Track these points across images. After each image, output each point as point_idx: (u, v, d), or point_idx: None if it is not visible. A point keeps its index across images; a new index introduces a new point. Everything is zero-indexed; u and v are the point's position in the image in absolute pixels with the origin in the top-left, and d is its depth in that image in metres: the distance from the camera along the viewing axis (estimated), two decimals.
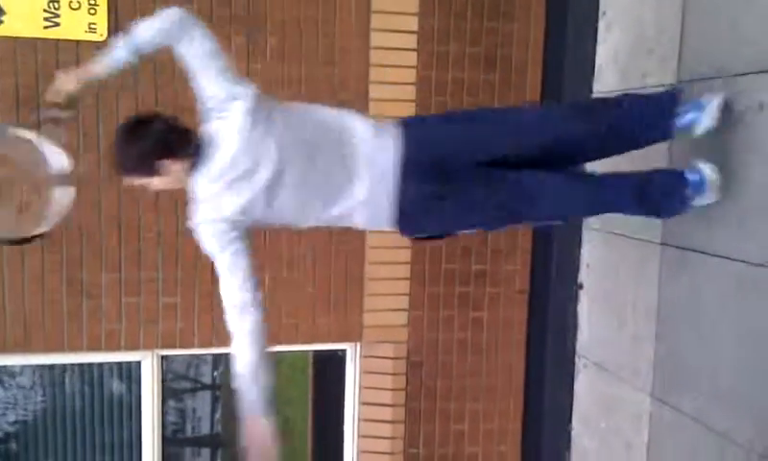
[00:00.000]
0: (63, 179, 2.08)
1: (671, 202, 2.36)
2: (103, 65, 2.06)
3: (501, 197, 2.19)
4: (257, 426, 1.99)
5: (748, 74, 2.38)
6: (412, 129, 2.16)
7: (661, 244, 2.81)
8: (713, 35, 2.55)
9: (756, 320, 2.34)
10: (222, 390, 4.01)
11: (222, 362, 4.02)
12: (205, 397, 4.34)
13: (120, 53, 2.04)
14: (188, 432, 3.92)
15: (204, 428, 4.21)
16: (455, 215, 2.20)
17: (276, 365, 4.10)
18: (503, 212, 2.23)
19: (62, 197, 2.08)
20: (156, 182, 2.06)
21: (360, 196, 2.09)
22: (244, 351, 2.02)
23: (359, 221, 2.19)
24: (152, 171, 2.01)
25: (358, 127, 2.14)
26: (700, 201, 2.36)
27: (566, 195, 2.29)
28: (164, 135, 2.00)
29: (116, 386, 3.58)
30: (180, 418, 4.03)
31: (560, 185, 2.28)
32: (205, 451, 4.26)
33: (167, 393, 3.67)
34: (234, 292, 2.03)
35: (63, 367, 3.49)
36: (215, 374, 4.30)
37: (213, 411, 4.47)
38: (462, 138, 2.17)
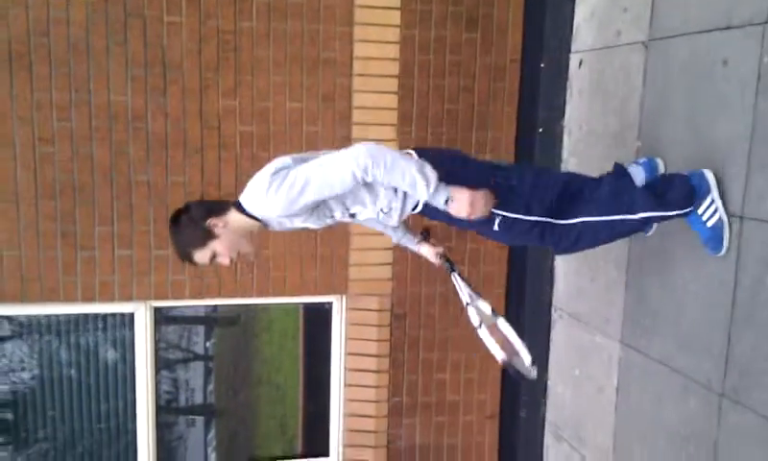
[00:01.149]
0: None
1: None
2: None
3: None
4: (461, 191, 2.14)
5: (713, 31, 2.48)
6: None
7: None
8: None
9: (716, 271, 2.47)
10: (215, 360, 4.11)
11: (213, 333, 4.12)
12: (198, 367, 4.42)
13: None
14: (182, 403, 4.02)
15: (198, 399, 4.30)
16: None
17: (269, 321, 4.22)
18: None
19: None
20: (218, 247, 2.18)
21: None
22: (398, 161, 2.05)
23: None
24: (207, 236, 2.17)
25: None
26: None
27: None
28: (201, 205, 2.23)
29: (110, 342, 3.68)
30: (174, 387, 4.13)
31: None
32: (199, 420, 4.36)
33: (160, 363, 3.76)
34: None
35: (58, 323, 3.59)
36: (207, 344, 4.39)
37: (206, 382, 4.56)
38: None
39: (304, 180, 2.04)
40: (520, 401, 3.86)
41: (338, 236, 3.59)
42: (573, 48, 3.38)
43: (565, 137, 3.49)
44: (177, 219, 2.21)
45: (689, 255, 2.62)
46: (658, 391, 2.82)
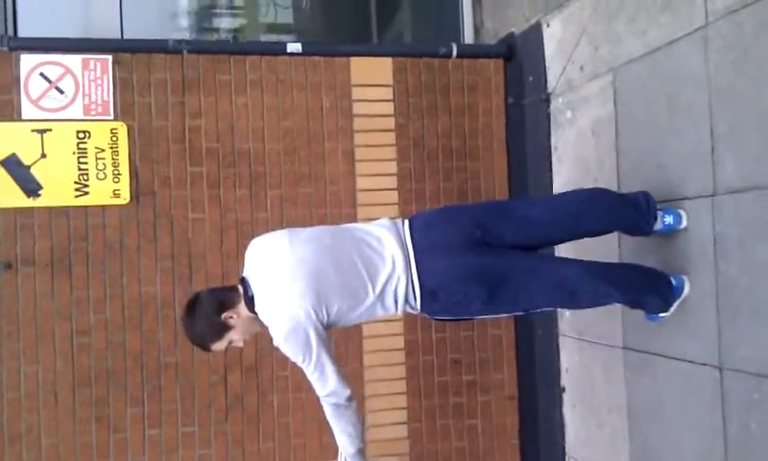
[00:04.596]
0: None
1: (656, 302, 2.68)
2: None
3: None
4: None
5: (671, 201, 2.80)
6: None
7: (623, 348, 3.14)
8: (641, 169, 3.00)
9: (708, 414, 2.64)
10: None
11: None
12: None
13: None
14: None
15: None
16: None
17: None
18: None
19: None
20: (234, 336, 2.44)
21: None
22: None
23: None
24: (223, 328, 2.40)
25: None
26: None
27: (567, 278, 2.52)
28: (213, 298, 2.44)
29: None
30: None
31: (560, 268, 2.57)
32: None
33: None
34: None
35: None
36: None
37: None
38: None
39: (309, 369, 2.36)
40: None
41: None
42: None
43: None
44: (191, 313, 2.40)
45: (680, 401, 2.79)
46: None
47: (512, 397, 3.93)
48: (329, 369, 2.37)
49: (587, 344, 3.45)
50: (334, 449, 3.74)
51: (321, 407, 3.68)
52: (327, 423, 3.72)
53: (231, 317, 2.40)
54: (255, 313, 2.40)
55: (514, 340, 3.94)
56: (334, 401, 2.42)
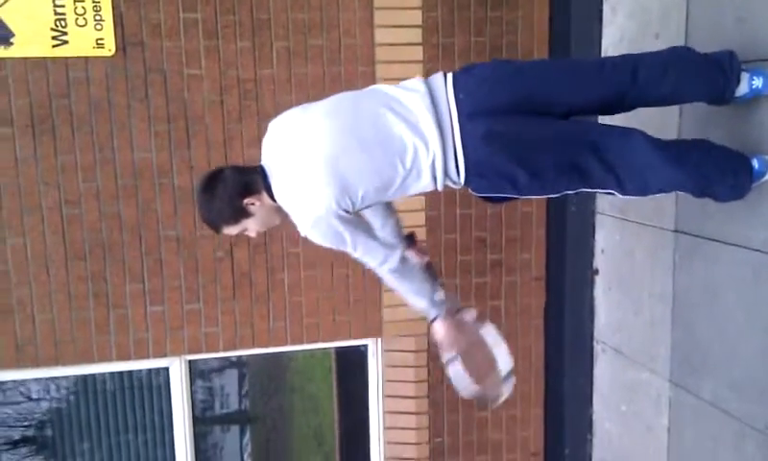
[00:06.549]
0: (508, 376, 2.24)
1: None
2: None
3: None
4: (438, 326, 2.24)
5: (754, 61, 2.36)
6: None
7: (675, 231, 2.81)
8: (718, 23, 2.53)
9: None
10: (248, 365, 4.05)
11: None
12: (233, 373, 4.41)
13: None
14: (217, 410, 4.01)
15: (233, 405, 4.30)
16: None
17: (301, 364, 4.17)
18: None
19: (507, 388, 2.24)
20: (250, 224, 2.15)
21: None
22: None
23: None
24: (241, 214, 2.10)
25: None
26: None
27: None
28: (237, 178, 2.10)
29: (146, 393, 3.65)
30: (209, 395, 4.10)
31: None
32: (235, 428, 4.35)
33: (194, 371, 3.69)
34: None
35: (94, 377, 3.57)
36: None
37: (241, 387, 4.54)
38: None
39: (350, 250, 2.10)
40: (565, 438, 3.75)
41: (370, 280, 3.51)
42: None
43: None
44: (211, 188, 2.09)
45: (739, 293, 2.49)
46: (712, 435, 2.69)
47: (539, 277, 3.66)
48: (371, 244, 2.12)
49: (630, 224, 3.13)
50: (348, 328, 3.58)
51: (334, 285, 3.51)
52: (341, 301, 3.54)
53: (253, 203, 2.10)
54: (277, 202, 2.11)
55: (545, 217, 3.62)
56: (388, 268, 2.16)
